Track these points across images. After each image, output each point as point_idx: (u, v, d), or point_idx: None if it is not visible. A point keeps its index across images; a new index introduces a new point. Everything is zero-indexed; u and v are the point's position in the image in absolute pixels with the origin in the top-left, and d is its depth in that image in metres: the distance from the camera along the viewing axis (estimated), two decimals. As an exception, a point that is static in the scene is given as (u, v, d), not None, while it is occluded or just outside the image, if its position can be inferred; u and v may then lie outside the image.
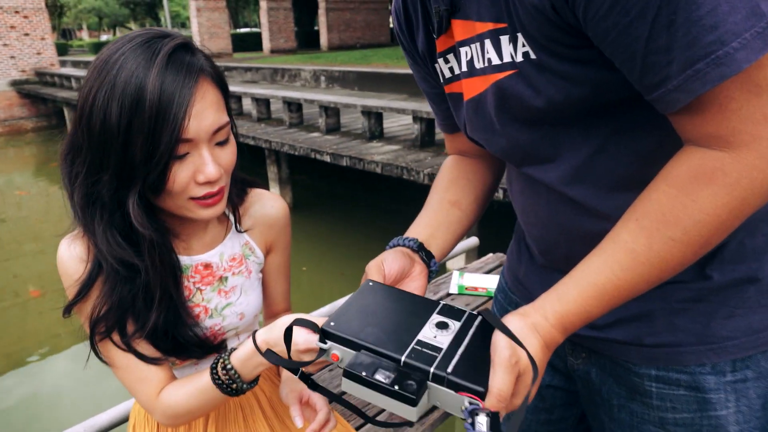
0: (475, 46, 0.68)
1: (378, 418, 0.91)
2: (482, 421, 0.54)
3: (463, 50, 0.71)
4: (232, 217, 1.00)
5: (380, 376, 0.59)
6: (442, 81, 0.82)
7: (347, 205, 8.05)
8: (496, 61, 0.66)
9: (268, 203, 1.04)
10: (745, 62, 0.48)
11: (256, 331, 0.83)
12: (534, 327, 0.62)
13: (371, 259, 1.03)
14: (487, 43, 0.66)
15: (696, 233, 0.56)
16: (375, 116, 6.54)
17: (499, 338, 0.60)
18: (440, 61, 0.79)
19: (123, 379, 0.90)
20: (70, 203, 0.83)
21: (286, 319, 0.78)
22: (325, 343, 0.66)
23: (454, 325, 0.65)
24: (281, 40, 21.66)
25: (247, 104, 8.67)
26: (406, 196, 7.75)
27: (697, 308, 0.69)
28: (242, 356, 0.83)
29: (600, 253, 0.62)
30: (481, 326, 0.66)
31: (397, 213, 7.78)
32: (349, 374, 0.61)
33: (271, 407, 1.06)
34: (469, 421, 0.55)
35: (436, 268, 0.87)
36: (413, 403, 0.57)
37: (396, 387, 0.58)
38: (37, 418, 3.97)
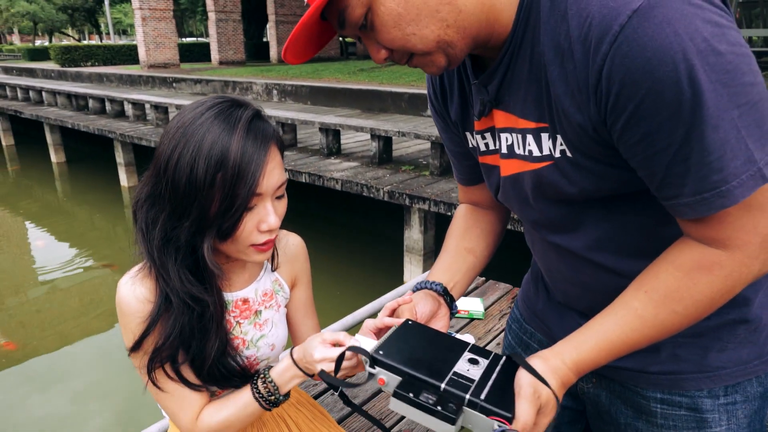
0: (516, 136, 0.80)
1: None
2: None
3: (503, 135, 0.83)
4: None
5: (424, 398, 0.70)
6: (476, 152, 0.94)
7: (306, 220, 8.08)
8: (536, 153, 0.78)
9: (290, 242, 1.15)
10: (741, 197, 0.62)
11: (292, 348, 0.95)
12: (553, 369, 0.74)
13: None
14: (529, 137, 0.77)
15: (694, 309, 0.70)
16: (333, 133, 6.64)
17: (523, 375, 0.72)
18: (477, 136, 0.90)
19: (166, 404, 0.97)
20: (142, 244, 0.91)
21: (314, 337, 0.90)
22: (374, 368, 0.76)
23: (483, 362, 0.77)
24: (230, 52, 21.40)
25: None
26: (362, 213, 7.87)
27: (696, 342, 0.82)
28: (280, 370, 0.95)
29: (613, 314, 0.74)
30: (505, 365, 0.78)
31: (355, 228, 7.87)
32: (397, 394, 0.72)
33: (298, 430, 1.14)
34: None
35: (456, 311, 0.99)
36: (453, 422, 0.68)
37: (439, 408, 0.69)
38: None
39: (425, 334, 0.84)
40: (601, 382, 0.94)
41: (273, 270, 1.10)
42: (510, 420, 0.68)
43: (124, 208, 9.40)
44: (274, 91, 12.33)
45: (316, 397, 1.86)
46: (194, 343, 0.93)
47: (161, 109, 9.24)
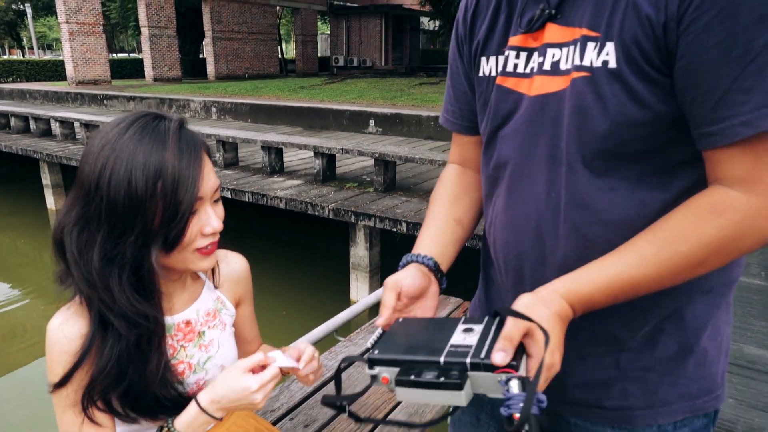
0: (567, 50, 0.76)
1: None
2: (514, 384, 0.64)
3: (552, 51, 0.78)
4: (203, 275, 1.08)
5: (426, 377, 0.69)
6: (491, 78, 0.87)
7: (249, 240, 7.91)
8: (577, 62, 0.74)
9: (233, 261, 1.14)
10: None
11: (197, 395, 0.92)
12: (541, 299, 0.70)
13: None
14: (578, 47, 0.74)
15: (699, 251, 0.68)
16: (275, 151, 6.57)
17: (507, 319, 0.69)
18: (509, 53, 0.84)
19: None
20: (76, 271, 0.87)
21: (226, 373, 0.90)
22: (374, 368, 0.74)
23: (478, 328, 0.75)
24: (165, 68, 20.78)
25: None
26: (307, 231, 7.80)
27: (647, 377, 0.81)
28: (187, 419, 0.91)
29: (616, 252, 0.72)
30: (501, 323, 0.74)
31: (300, 246, 7.79)
32: (400, 382, 0.70)
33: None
34: (506, 388, 0.65)
35: (445, 285, 0.93)
36: (459, 387, 0.66)
37: (442, 379, 0.67)
38: None
39: (417, 324, 0.82)
40: (552, 419, 0.91)
41: (215, 288, 1.09)
42: (516, 368, 0.66)
43: (51, 233, 8.87)
44: (213, 109, 12.08)
45: (275, 423, 1.82)
46: (131, 370, 0.89)
47: (93, 127, 8.83)
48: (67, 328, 0.88)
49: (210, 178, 0.91)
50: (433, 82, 16.06)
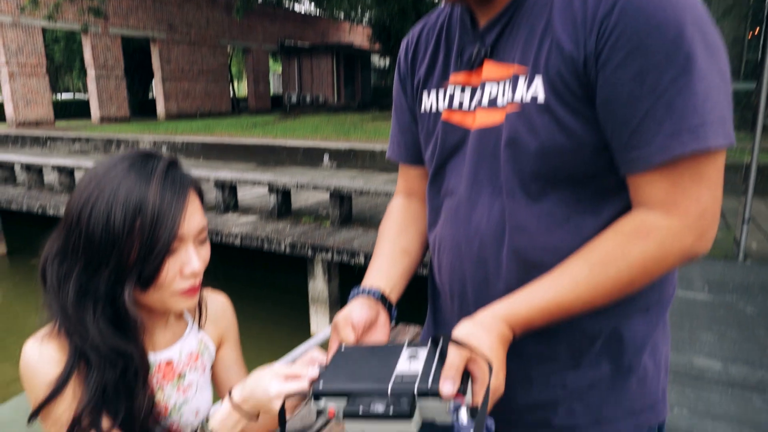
0: (503, 84, 0.81)
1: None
2: (463, 413, 0.66)
3: (489, 87, 0.83)
4: (188, 315, 1.05)
5: (375, 408, 0.68)
6: (437, 107, 0.93)
7: (204, 279, 7.67)
8: (509, 97, 0.79)
9: (215, 300, 1.11)
10: (713, 145, 0.68)
11: (231, 389, 0.88)
12: (481, 324, 0.73)
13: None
14: (510, 83, 0.80)
15: (626, 274, 0.73)
16: (229, 188, 6.49)
17: (449, 346, 0.70)
18: (451, 90, 0.90)
19: None
20: (54, 301, 0.86)
21: (263, 374, 0.85)
22: (319, 402, 0.73)
23: (422, 353, 0.75)
24: (113, 109, 20.34)
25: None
26: (263, 267, 7.66)
27: (592, 395, 0.84)
28: (222, 416, 0.87)
29: (550, 276, 0.76)
30: (444, 347, 0.75)
31: (257, 283, 7.63)
32: (348, 414, 0.69)
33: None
34: (455, 417, 0.66)
35: (395, 315, 0.95)
36: (409, 416, 0.66)
37: (391, 409, 0.67)
38: None
39: (362, 352, 0.82)
40: None
41: (199, 329, 1.06)
42: (463, 392, 0.67)
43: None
44: (163, 148, 11.86)
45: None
46: (121, 406, 0.86)
47: (34, 170, 8.50)
48: (45, 351, 0.86)
49: (195, 218, 0.88)
50: (386, 117, 16.35)
